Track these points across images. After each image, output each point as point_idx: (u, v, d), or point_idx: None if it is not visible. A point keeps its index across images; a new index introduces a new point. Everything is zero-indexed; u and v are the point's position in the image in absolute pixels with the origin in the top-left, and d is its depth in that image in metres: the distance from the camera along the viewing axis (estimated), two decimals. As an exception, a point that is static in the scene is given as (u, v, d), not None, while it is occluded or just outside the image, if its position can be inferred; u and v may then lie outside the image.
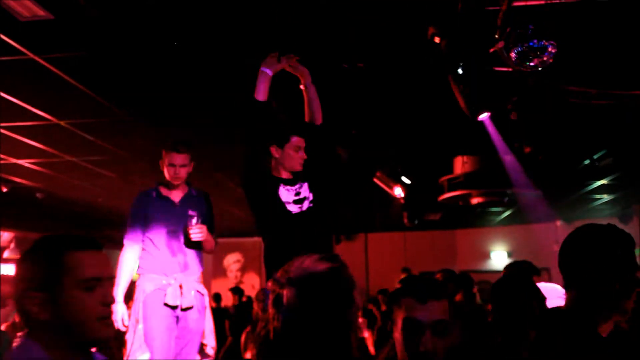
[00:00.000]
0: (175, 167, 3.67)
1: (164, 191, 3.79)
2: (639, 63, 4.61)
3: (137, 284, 3.73)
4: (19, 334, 1.36)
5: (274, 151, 3.25)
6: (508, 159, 6.37)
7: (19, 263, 1.38)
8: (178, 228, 3.71)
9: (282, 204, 3.24)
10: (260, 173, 3.30)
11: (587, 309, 1.90)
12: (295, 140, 3.29)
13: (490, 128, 5.60)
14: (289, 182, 3.32)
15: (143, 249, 3.72)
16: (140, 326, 3.52)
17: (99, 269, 1.35)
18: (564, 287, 2.03)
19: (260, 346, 1.58)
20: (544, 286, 2.87)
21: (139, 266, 3.76)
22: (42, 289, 1.27)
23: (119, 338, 3.96)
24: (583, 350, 1.86)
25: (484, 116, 4.31)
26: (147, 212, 3.75)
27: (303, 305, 1.40)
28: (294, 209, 3.32)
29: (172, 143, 3.72)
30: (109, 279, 1.42)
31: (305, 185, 3.41)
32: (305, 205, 3.42)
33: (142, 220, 3.74)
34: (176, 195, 3.78)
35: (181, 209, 3.73)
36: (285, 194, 3.29)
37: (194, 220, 3.61)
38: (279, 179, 3.29)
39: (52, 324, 1.27)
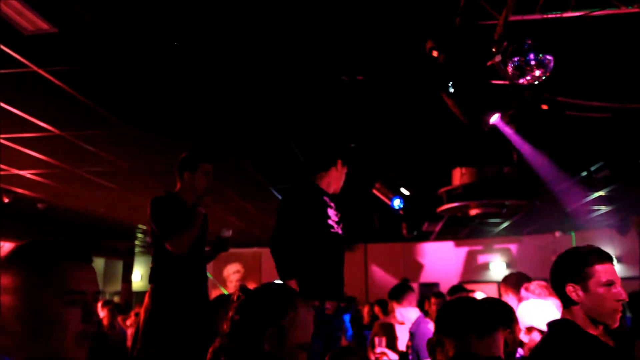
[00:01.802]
0: (209, 175, 3.76)
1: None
2: (635, 77, 4.64)
3: None
4: None
5: None
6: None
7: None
8: None
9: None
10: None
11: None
12: None
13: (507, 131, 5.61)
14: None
15: None
16: None
17: (84, 283, 1.24)
18: None
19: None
20: None
21: None
22: (22, 299, 1.17)
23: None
24: None
25: (494, 119, 4.31)
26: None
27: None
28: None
29: (206, 154, 3.82)
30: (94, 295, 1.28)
31: None
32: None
33: None
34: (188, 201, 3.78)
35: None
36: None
37: None
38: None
39: (27, 338, 1.16)
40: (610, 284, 2.15)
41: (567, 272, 2.25)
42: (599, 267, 2.18)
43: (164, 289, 3.60)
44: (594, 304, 2.16)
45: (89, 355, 1.24)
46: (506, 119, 4.79)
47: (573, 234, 12.25)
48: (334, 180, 3.61)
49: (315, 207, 3.48)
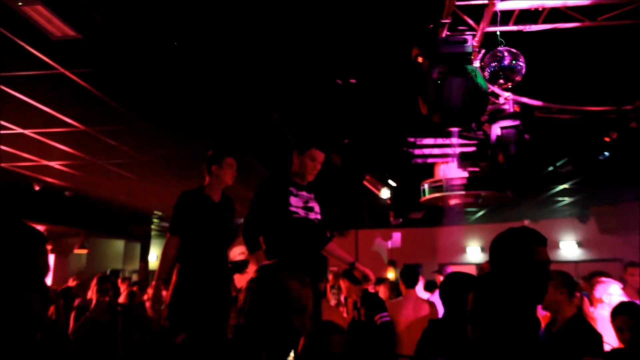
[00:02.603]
0: (233, 167, 3.80)
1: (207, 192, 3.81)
2: (595, 82, 4.65)
3: None
4: None
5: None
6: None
7: None
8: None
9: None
10: None
11: None
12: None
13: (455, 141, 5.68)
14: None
15: None
16: None
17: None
18: None
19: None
20: None
21: None
22: None
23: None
24: None
25: (454, 128, 4.31)
26: None
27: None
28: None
29: (228, 150, 3.84)
30: None
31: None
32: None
33: None
34: (216, 197, 3.81)
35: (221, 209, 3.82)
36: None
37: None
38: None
39: None
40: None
41: (521, 250, 2.10)
42: (540, 249, 2.09)
43: (188, 267, 3.60)
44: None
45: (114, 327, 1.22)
46: (483, 120, 4.80)
47: (540, 221, 12.29)
48: (298, 169, 3.54)
49: (274, 195, 3.45)
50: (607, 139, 5.39)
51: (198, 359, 3.32)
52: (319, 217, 3.54)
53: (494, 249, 2.16)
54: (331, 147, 6.34)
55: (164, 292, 3.61)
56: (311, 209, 3.52)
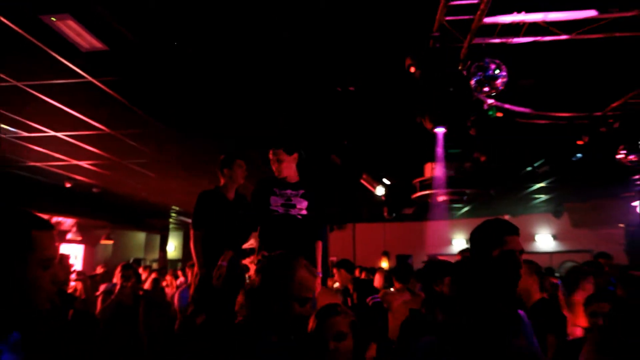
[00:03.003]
0: (243, 167, 3.83)
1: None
2: (569, 91, 4.63)
3: None
4: None
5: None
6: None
7: None
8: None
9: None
10: None
11: None
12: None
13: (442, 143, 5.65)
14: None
15: None
16: None
17: (54, 250, 1.19)
18: None
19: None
20: None
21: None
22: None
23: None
24: None
25: (442, 130, 4.29)
26: None
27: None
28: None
29: (238, 153, 3.85)
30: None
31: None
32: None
33: None
34: (230, 196, 3.82)
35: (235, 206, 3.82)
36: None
37: None
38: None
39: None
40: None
41: (494, 239, 2.07)
42: (509, 238, 2.07)
43: (208, 258, 3.59)
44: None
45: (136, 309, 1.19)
46: (468, 124, 4.78)
47: (519, 216, 12.29)
48: (275, 168, 3.48)
49: (259, 196, 3.46)
50: (579, 142, 5.38)
51: (211, 339, 3.31)
52: (303, 212, 3.42)
53: (472, 239, 2.15)
54: (332, 148, 6.34)
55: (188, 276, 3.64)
56: (293, 206, 3.44)
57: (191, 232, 3.68)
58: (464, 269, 1.78)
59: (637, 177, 8.02)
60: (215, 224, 3.64)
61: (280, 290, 1.73)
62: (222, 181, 3.80)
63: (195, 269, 3.67)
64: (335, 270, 5.14)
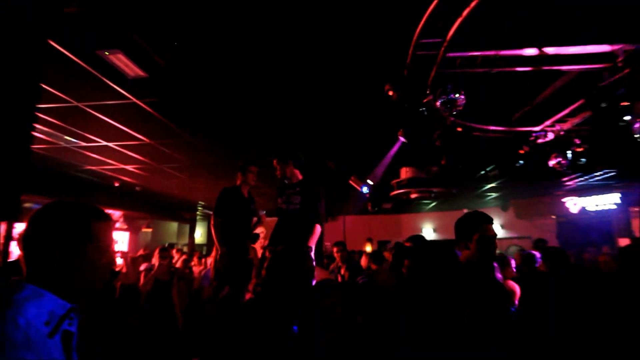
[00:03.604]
0: (254, 173, 3.87)
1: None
2: (514, 111, 4.65)
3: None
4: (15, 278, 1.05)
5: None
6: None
7: (44, 221, 1.06)
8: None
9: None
10: None
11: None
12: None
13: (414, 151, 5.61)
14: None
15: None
16: None
17: (110, 238, 1.14)
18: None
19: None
20: None
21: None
22: (63, 247, 1.05)
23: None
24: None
25: (414, 141, 4.29)
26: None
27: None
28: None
29: (252, 161, 3.88)
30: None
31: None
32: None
33: None
34: (245, 193, 3.85)
35: (249, 203, 3.85)
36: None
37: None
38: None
39: (61, 276, 1.04)
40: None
41: (475, 226, 2.12)
42: (487, 226, 2.11)
43: (227, 241, 3.61)
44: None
45: (170, 283, 1.17)
46: (435, 137, 4.80)
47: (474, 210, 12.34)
48: (277, 173, 3.56)
49: (275, 196, 3.55)
50: (521, 151, 5.40)
51: (234, 310, 3.30)
52: (297, 206, 3.43)
53: (458, 225, 2.19)
54: (328, 156, 6.35)
55: (209, 260, 3.63)
56: (291, 202, 3.47)
57: (212, 219, 3.66)
58: (417, 251, 1.78)
59: (565, 179, 8.07)
60: (233, 213, 3.66)
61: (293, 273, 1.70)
62: (239, 182, 3.83)
63: (213, 250, 3.67)
64: (334, 250, 5.08)
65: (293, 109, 4.54)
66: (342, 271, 4.89)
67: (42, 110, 4.49)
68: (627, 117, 2.90)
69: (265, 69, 3.60)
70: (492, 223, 2.15)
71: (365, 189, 7.66)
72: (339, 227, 13.60)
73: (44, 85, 3.83)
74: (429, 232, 13.36)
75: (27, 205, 7.43)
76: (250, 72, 3.64)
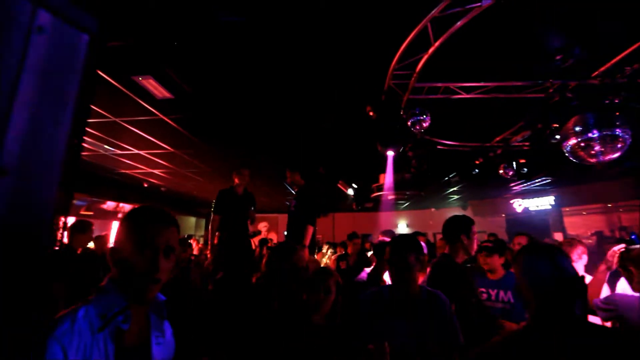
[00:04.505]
0: (246, 174, 3.81)
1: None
2: (470, 129, 4.72)
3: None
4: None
5: None
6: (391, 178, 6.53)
7: (120, 224, 0.98)
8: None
9: None
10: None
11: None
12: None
13: (390, 161, 5.70)
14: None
15: None
16: None
17: (173, 240, 0.98)
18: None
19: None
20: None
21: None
22: (135, 248, 0.93)
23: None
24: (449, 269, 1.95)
25: (390, 153, 4.33)
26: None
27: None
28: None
29: (245, 164, 3.92)
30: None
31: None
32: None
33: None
34: (239, 192, 3.80)
35: (243, 199, 3.79)
36: None
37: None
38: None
39: (128, 274, 0.93)
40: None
41: (462, 227, 2.08)
42: (474, 227, 2.08)
43: (223, 234, 3.61)
44: (471, 245, 2.06)
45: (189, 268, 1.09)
46: (407, 149, 4.86)
47: (440, 209, 12.41)
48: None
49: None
50: (477, 162, 5.50)
51: (229, 290, 3.27)
52: (292, 209, 3.54)
53: (447, 225, 2.12)
54: (320, 163, 6.39)
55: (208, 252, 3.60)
56: (292, 205, 3.57)
57: (211, 216, 3.66)
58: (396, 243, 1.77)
59: (512, 184, 8.19)
60: (229, 211, 3.64)
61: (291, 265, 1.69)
62: (235, 182, 3.80)
63: (209, 243, 3.62)
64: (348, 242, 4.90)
65: (291, 126, 4.57)
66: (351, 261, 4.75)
67: (88, 124, 4.49)
68: (557, 136, 2.99)
69: (271, 97, 3.64)
70: (474, 224, 2.12)
71: (350, 191, 7.69)
72: (329, 223, 13.61)
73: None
74: (403, 227, 13.40)
75: (73, 202, 7.38)
76: (258, 99, 3.67)
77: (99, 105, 3.89)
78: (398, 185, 7.25)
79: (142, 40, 2.64)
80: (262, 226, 7.67)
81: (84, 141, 5.01)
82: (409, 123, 3.65)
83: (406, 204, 11.58)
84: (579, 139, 2.59)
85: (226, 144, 5.44)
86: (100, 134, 4.88)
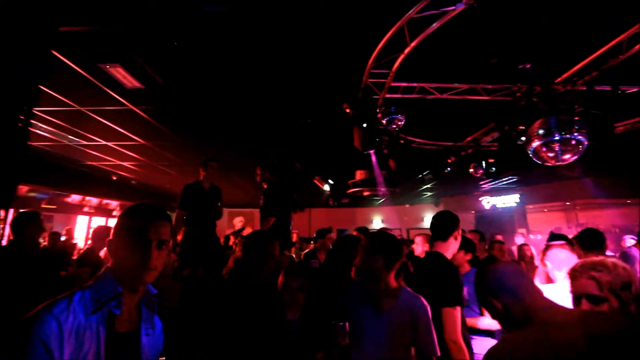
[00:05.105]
0: (214, 168, 3.67)
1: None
2: (444, 128, 4.83)
3: None
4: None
5: None
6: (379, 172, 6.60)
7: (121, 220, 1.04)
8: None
9: None
10: None
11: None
12: None
13: (374, 157, 5.77)
14: None
15: None
16: None
17: (165, 235, 1.05)
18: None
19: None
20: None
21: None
22: (130, 240, 1.00)
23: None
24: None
25: (371, 151, 4.38)
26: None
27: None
28: None
29: (212, 158, 3.73)
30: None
31: None
32: None
33: None
34: (206, 187, 3.68)
35: (209, 194, 3.66)
36: None
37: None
38: None
39: (125, 265, 1.00)
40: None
41: (454, 225, 2.07)
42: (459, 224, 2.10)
43: (188, 229, 3.53)
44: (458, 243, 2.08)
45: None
46: (382, 146, 4.92)
47: (413, 205, 12.69)
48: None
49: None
50: (449, 160, 5.66)
51: (197, 283, 3.18)
52: (261, 204, 3.67)
53: (437, 223, 2.11)
54: (295, 158, 6.36)
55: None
56: (261, 200, 3.67)
57: (176, 211, 3.53)
58: (372, 240, 1.80)
59: (482, 182, 8.52)
60: (194, 206, 3.53)
61: (262, 254, 1.65)
62: (201, 176, 3.69)
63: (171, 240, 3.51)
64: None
65: (267, 121, 4.52)
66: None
67: (48, 113, 4.22)
68: (523, 138, 3.13)
69: (248, 91, 3.57)
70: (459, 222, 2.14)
71: (327, 187, 7.72)
72: (305, 218, 13.60)
73: (50, 91, 3.60)
74: (378, 222, 13.61)
75: (32, 194, 6.93)
76: (234, 92, 3.59)
77: (62, 93, 3.68)
78: (372, 183, 7.34)
79: (109, 26, 2.50)
80: (238, 221, 7.57)
81: (32, 125, 4.70)
82: (384, 121, 3.69)
83: (381, 200, 11.75)
84: (542, 141, 2.73)
85: (201, 137, 5.31)
86: (63, 124, 4.61)
